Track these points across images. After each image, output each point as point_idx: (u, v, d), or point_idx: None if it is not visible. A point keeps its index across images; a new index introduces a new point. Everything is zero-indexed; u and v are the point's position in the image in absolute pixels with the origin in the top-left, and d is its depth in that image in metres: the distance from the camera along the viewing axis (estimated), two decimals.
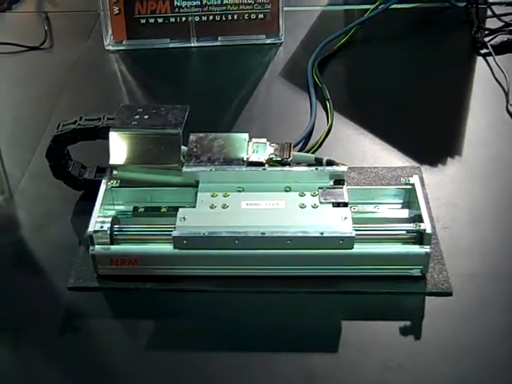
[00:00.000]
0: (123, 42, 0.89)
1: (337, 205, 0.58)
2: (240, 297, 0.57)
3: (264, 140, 0.64)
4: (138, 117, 0.62)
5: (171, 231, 0.58)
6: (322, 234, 0.55)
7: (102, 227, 0.57)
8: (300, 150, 0.71)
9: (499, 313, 0.55)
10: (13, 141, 0.75)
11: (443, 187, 0.66)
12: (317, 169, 0.61)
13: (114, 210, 0.61)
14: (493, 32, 0.87)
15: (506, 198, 0.65)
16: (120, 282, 0.57)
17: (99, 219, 0.58)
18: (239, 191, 0.60)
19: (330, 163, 0.62)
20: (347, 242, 0.56)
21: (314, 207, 0.58)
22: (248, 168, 0.61)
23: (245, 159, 0.62)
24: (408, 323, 0.54)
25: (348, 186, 0.65)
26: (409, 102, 0.79)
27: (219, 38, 0.89)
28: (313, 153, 0.70)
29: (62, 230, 0.63)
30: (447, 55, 0.86)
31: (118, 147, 0.61)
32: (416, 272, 0.57)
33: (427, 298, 0.56)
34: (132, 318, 0.56)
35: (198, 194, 0.60)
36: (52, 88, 0.83)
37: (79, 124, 0.62)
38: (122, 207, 0.62)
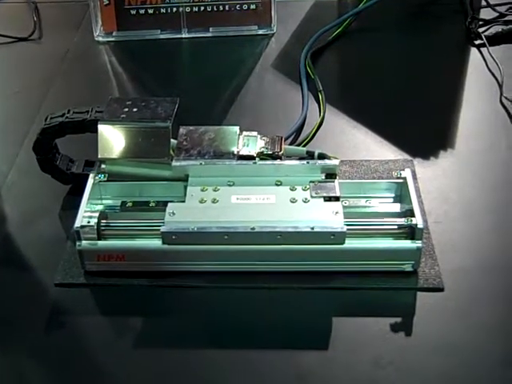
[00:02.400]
0: (113, 33, 0.88)
1: (328, 199, 0.58)
2: (230, 293, 0.56)
3: (255, 133, 0.63)
4: (126, 110, 0.61)
5: (160, 226, 0.57)
6: (312, 228, 0.55)
7: (89, 222, 0.56)
8: (292, 143, 0.70)
9: (491, 308, 0.54)
10: None
11: (436, 180, 0.66)
12: (308, 162, 0.60)
13: (101, 204, 0.60)
14: (487, 23, 0.87)
15: (499, 191, 0.65)
16: (108, 278, 0.57)
17: (86, 214, 0.57)
18: (229, 185, 0.59)
19: (322, 157, 0.61)
20: (338, 237, 0.55)
21: (305, 201, 0.57)
22: (238, 162, 0.60)
23: (235, 153, 0.61)
24: (399, 319, 0.54)
25: (339, 179, 0.64)
26: (402, 94, 0.78)
27: (210, 29, 0.88)
28: (304, 145, 0.70)
29: (49, 226, 0.62)
30: (441, 46, 0.86)
31: (107, 141, 0.60)
32: (407, 267, 0.56)
33: (419, 293, 0.55)
34: (120, 315, 0.55)
35: (188, 188, 0.59)
36: (41, 80, 0.82)
37: (67, 117, 0.62)
38: (109, 201, 0.61)
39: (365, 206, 0.60)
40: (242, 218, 0.56)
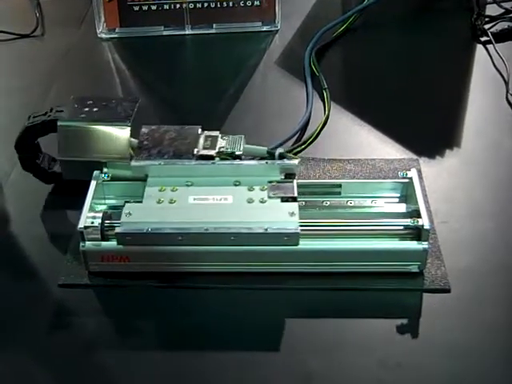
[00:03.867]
0: (116, 30, 0.87)
1: (285, 199, 0.57)
2: (234, 293, 0.56)
3: (216, 133, 0.63)
4: (87, 109, 0.61)
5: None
6: (266, 230, 0.54)
7: (92, 223, 0.56)
8: (296, 141, 0.70)
9: (498, 309, 0.54)
10: (2, 132, 0.73)
11: (442, 180, 0.65)
12: (267, 162, 0.60)
13: (105, 204, 0.60)
14: (493, 19, 0.86)
15: (505, 190, 0.64)
16: (112, 278, 0.56)
17: (90, 214, 0.57)
18: (188, 186, 0.59)
19: (283, 157, 0.61)
20: (292, 238, 0.54)
21: (261, 202, 0.57)
22: (197, 162, 0.60)
23: (195, 153, 0.60)
24: (405, 321, 0.53)
25: (344, 178, 0.64)
26: (407, 92, 0.78)
27: (214, 26, 0.87)
28: (309, 144, 0.69)
29: (53, 225, 0.62)
30: (446, 43, 0.85)
31: (66, 140, 0.60)
32: (413, 268, 0.56)
33: (425, 294, 0.55)
34: (123, 316, 0.55)
35: (146, 188, 0.58)
36: (43, 77, 0.81)
37: (49, 115, 0.61)
38: (113, 201, 0.60)
39: (370, 206, 0.59)
40: (198, 219, 0.55)
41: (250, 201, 0.57)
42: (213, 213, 0.56)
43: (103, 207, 0.60)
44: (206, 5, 0.86)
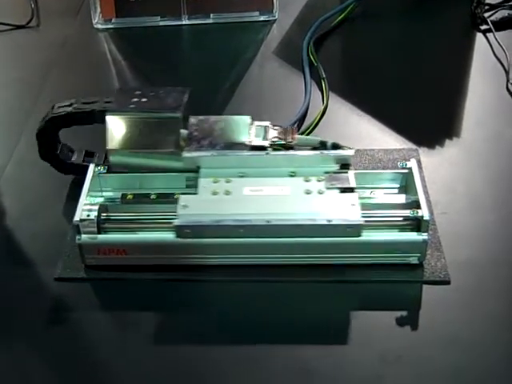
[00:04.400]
0: (112, 21, 0.87)
1: (343, 190, 0.56)
2: (230, 286, 0.55)
3: (267, 123, 0.62)
4: (135, 100, 0.60)
5: (161, 219, 0.56)
6: (329, 221, 0.54)
7: (88, 216, 0.55)
8: None
9: (499, 301, 0.54)
10: None
11: (441, 170, 0.65)
12: (322, 153, 0.59)
13: (101, 196, 0.60)
14: (493, 7, 0.85)
15: (506, 180, 0.64)
16: (108, 272, 0.56)
17: (86, 207, 0.56)
18: (242, 177, 0.58)
19: (336, 146, 0.60)
20: (355, 229, 0.54)
21: (319, 193, 0.56)
22: (251, 153, 0.59)
23: (247, 143, 0.60)
24: (405, 313, 0.53)
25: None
26: (407, 81, 0.77)
27: (211, 16, 0.87)
28: (307, 134, 0.69)
29: (49, 219, 0.61)
30: (446, 32, 0.84)
31: (115, 131, 0.59)
32: (413, 260, 0.55)
33: (425, 286, 0.55)
34: (121, 310, 0.55)
35: (200, 179, 0.58)
36: (39, 68, 0.81)
37: (75, 107, 0.60)
38: (110, 194, 0.60)
39: (369, 198, 0.59)
40: (257, 211, 0.55)
41: (308, 192, 0.56)
42: (271, 204, 0.55)
43: (100, 200, 0.59)
44: None
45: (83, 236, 0.55)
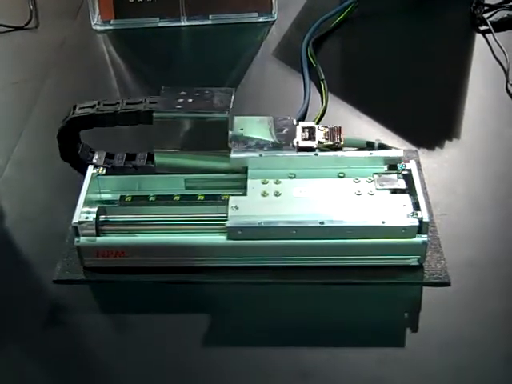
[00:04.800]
0: (111, 22, 0.87)
1: (394, 191, 0.56)
2: (229, 288, 0.55)
3: (312, 123, 0.62)
4: (181, 100, 0.59)
5: (160, 221, 0.56)
6: (383, 223, 0.53)
7: (87, 218, 0.55)
8: None
9: (499, 302, 0.53)
10: None
11: (441, 171, 0.65)
12: (371, 153, 0.59)
13: (100, 199, 0.59)
14: (492, 8, 0.85)
15: (505, 181, 0.64)
16: (107, 274, 0.56)
17: (84, 209, 0.56)
18: (291, 178, 0.58)
19: (382, 147, 0.60)
20: (410, 230, 0.54)
21: (370, 194, 0.56)
22: (299, 153, 0.59)
23: (295, 144, 0.59)
24: (405, 315, 0.53)
25: None
26: (406, 82, 0.77)
27: (210, 17, 0.86)
28: None
29: (47, 220, 0.61)
30: (445, 32, 0.84)
31: (162, 132, 0.58)
32: (413, 261, 0.55)
33: (424, 288, 0.54)
34: (120, 312, 0.54)
35: (248, 180, 0.57)
36: (37, 69, 0.80)
37: (122, 107, 0.60)
38: (108, 196, 0.60)
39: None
40: (308, 212, 0.54)
41: (359, 193, 0.56)
42: (323, 206, 0.55)
43: (98, 202, 0.59)
44: None
45: (82, 238, 0.55)
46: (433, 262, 0.55)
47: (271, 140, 0.60)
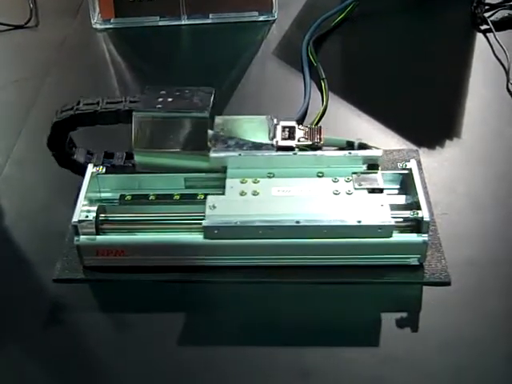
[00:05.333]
0: (111, 20, 0.86)
1: (372, 191, 0.56)
2: (229, 287, 0.55)
3: (293, 123, 0.61)
4: (161, 99, 0.59)
5: (159, 220, 0.56)
6: (359, 222, 0.53)
7: (87, 217, 0.55)
8: None
9: (499, 302, 0.53)
10: None
11: (441, 171, 0.64)
12: (350, 153, 0.59)
13: (100, 197, 0.59)
14: (493, 7, 0.85)
15: (506, 180, 0.64)
16: (107, 273, 0.56)
17: (84, 208, 0.56)
18: (269, 177, 0.58)
19: (363, 146, 0.60)
20: (386, 230, 0.53)
21: (348, 193, 0.56)
22: (278, 153, 0.59)
23: (274, 144, 0.59)
24: (405, 314, 0.53)
25: None
26: (407, 81, 0.77)
27: (210, 16, 0.86)
28: None
29: (47, 219, 0.61)
30: (446, 32, 0.84)
31: (141, 132, 0.58)
32: (413, 261, 0.55)
33: (425, 287, 0.54)
34: (119, 311, 0.54)
35: (227, 180, 0.57)
36: (37, 69, 0.80)
37: (101, 106, 0.59)
38: (108, 195, 0.60)
39: None
40: (285, 211, 0.54)
41: (336, 192, 0.56)
42: (300, 205, 0.55)
43: (98, 200, 0.58)
44: None
45: (82, 237, 0.55)
46: (433, 262, 0.55)
47: (250, 139, 0.59)
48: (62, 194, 0.63)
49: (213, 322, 0.53)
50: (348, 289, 0.55)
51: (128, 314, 0.54)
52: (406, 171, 0.58)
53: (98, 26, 0.86)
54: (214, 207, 0.55)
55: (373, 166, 0.58)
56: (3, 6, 0.92)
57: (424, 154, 0.66)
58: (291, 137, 0.60)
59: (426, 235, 0.54)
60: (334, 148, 0.61)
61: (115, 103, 0.59)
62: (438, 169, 0.64)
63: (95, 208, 0.56)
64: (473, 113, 0.72)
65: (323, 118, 0.71)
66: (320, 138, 0.60)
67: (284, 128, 0.61)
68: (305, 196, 0.56)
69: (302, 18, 0.87)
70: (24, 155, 0.66)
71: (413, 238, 0.54)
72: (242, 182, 0.57)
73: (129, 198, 0.58)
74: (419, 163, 0.63)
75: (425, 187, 0.60)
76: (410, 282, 0.55)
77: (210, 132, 0.60)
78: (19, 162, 0.67)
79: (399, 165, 0.58)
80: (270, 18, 0.86)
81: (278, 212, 0.54)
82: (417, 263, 0.55)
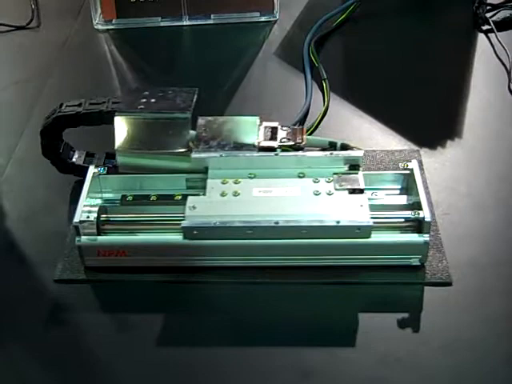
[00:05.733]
0: (113, 21, 0.87)
1: (352, 191, 0.56)
2: (231, 288, 0.55)
3: (276, 124, 0.61)
4: (144, 100, 0.60)
5: (160, 220, 0.56)
6: (338, 222, 0.53)
7: (88, 217, 0.55)
8: None
9: (501, 303, 0.53)
10: None
11: (443, 171, 0.64)
12: (331, 154, 0.59)
13: (101, 198, 0.59)
14: (495, 7, 0.85)
15: (508, 181, 0.63)
16: (108, 273, 0.56)
17: (86, 208, 0.56)
18: (250, 178, 0.58)
19: (345, 147, 0.60)
20: (364, 230, 0.53)
21: (328, 194, 0.56)
22: (259, 153, 0.59)
23: (256, 144, 0.59)
24: (406, 315, 0.53)
25: None
26: (408, 82, 0.77)
27: (212, 16, 0.86)
28: (309, 135, 0.68)
29: (48, 220, 0.61)
30: (447, 32, 0.84)
31: (124, 132, 0.58)
32: (415, 261, 0.55)
33: (426, 288, 0.54)
34: (120, 312, 0.54)
35: (208, 180, 0.57)
36: (39, 69, 0.80)
37: (84, 107, 0.60)
38: (110, 195, 0.60)
39: (370, 199, 0.58)
40: (266, 212, 0.54)
41: (317, 193, 0.56)
42: (280, 205, 0.55)
43: (99, 201, 0.59)
44: None
45: (83, 237, 0.55)
46: (434, 262, 0.55)
47: (232, 140, 0.59)
48: (63, 194, 0.63)
49: (214, 322, 0.53)
50: (349, 289, 0.54)
51: (129, 315, 0.54)
52: (407, 171, 0.58)
53: (100, 27, 0.86)
54: (194, 208, 0.55)
55: (354, 166, 0.58)
56: (5, 7, 0.92)
57: (425, 155, 0.66)
58: (273, 137, 0.60)
59: (428, 235, 0.54)
60: (316, 149, 0.61)
61: (98, 104, 0.60)
62: (440, 169, 0.64)
63: (96, 208, 0.56)
64: (474, 113, 0.72)
65: (325, 119, 0.71)
66: (302, 139, 0.60)
67: (266, 128, 0.61)
68: (285, 197, 0.56)
69: (303, 19, 0.87)
70: (26, 156, 0.66)
71: (414, 238, 0.54)
72: (223, 183, 0.57)
73: (130, 198, 0.58)
74: (421, 163, 0.63)
75: (426, 187, 0.60)
76: (411, 283, 0.55)
77: (193, 133, 0.60)
78: (21, 162, 0.67)
79: (401, 165, 0.58)
80: (272, 19, 0.86)
81: (258, 213, 0.54)
82: (418, 263, 0.55)
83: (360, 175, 0.57)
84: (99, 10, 0.86)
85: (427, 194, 0.59)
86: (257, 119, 0.61)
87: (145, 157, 0.59)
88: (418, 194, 0.55)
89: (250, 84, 0.78)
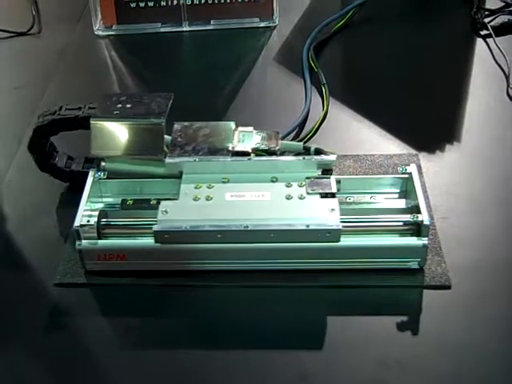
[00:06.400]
0: (113, 27, 0.87)
1: (324, 195, 0.56)
2: (230, 291, 0.55)
3: (250, 129, 0.62)
4: (120, 106, 0.60)
5: None
6: (307, 226, 0.54)
7: (88, 221, 0.55)
8: (294, 138, 0.69)
9: (500, 306, 0.53)
10: None
11: (442, 175, 0.65)
12: (304, 158, 0.59)
13: (101, 202, 0.60)
14: (493, 13, 0.85)
15: (506, 185, 0.64)
16: (108, 277, 0.56)
17: (86, 213, 0.56)
18: (224, 182, 0.58)
19: (319, 152, 0.60)
20: (334, 234, 0.54)
21: (300, 198, 0.56)
22: (233, 158, 0.59)
23: (230, 149, 0.60)
24: (405, 318, 0.53)
25: (343, 174, 0.63)
26: (407, 87, 0.77)
27: (212, 22, 0.87)
28: (307, 140, 0.68)
29: (49, 224, 0.61)
30: (446, 37, 0.84)
31: (99, 137, 0.59)
32: (413, 265, 0.55)
33: (425, 291, 0.54)
34: (121, 315, 0.54)
35: (181, 185, 0.58)
36: (40, 75, 0.81)
37: (59, 114, 0.60)
38: (110, 199, 0.60)
39: (369, 203, 0.58)
40: (236, 216, 0.55)
41: (289, 197, 0.56)
42: (251, 210, 0.55)
43: (100, 205, 0.59)
44: (203, 1, 0.85)
45: (83, 241, 0.55)
46: (433, 266, 0.55)
47: (207, 145, 0.60)
48: (63, 198, 0.63)
49: (213, 325, 0.53)
50: (348, 292, 0.55)
51: (129, 319, 0.54)
52: (406, 175, 0.58)
53: (100, 33, 0.87)
54: (166, 212, 0.55)
55: (327, 171, 0.58)
56: (6, 13, 0.93)
57: (424, 159, 0.66)
58: (247, 142, 0.60)
59: (426, 239, 0.54)
60: (290, 153, 0.61)
61: (74, 110, 0.60)
62: (438, 173, 0.65)
63: (97, 212, 0.56)
64: (473, 117, 0.72)
65: (324, 124, 0.71)
66: (277, 143, 0.60)
67: (241, 133, 0.61)
68: (257, 201, 0.56)
69: (302, 24, 0.87)
70: (26, 161, 0.66)
71: (413, 241, 0.54)
72: (196, 188, 0.57)
73: (130, 202, 0.59)
74: (419, 167, 0.64)
75: (425, 191, 0.61)
76: (410, 286, 0.55)
77: (168, 138, 0.60)
78: (21, 167, 0.67)
79: (399, 169, 0.59)
80: (271, 24, 0.87)
81: (230, 217, 0.55)
82: (417, 267, 0.55)
83: (332, 179, 0.58)
84: (99, 16, 0.86)
85: (426, 197, 0.60)
86: (232, 124, 0.62)
87: (120, 162, 0.59)
88: (416, 198, 0.56)
89: (250, 89, 0.78)
